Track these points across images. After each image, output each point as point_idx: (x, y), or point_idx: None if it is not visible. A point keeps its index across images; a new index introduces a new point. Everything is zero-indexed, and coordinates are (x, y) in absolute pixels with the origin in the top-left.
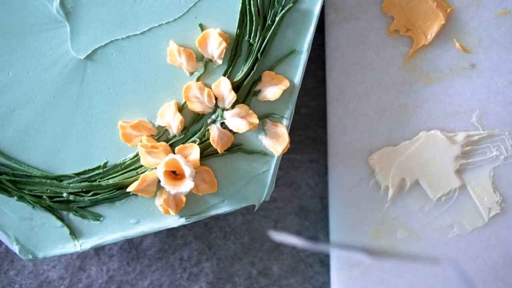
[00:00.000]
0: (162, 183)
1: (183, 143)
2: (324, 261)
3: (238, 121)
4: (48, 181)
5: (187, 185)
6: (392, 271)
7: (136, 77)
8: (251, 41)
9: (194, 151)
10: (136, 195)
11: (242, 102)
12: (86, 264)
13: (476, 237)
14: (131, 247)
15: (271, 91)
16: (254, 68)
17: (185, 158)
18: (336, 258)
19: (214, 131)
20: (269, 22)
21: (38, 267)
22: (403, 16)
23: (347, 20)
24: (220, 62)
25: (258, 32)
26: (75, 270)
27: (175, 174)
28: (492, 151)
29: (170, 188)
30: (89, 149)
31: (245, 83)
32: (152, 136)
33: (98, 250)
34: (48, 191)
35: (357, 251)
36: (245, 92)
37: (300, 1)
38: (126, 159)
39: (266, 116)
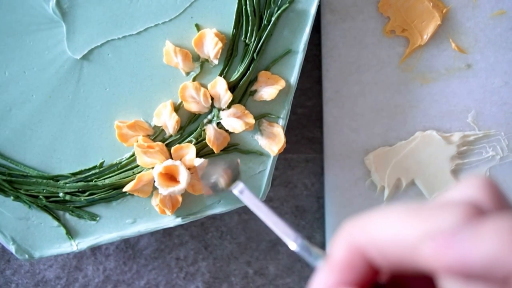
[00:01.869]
0: (156, 183)
1: (179, 143)
2: None
3: (234, 121)
4: (45, 181)
5: (179, 186)
6: None
7: (132, 77)
8: (247, 41)
9: (190, 151)
10: (132, 195)
11: (238, 102)
12: (83, 264)
13: None
14: (128, 247)
15: (267, 91)
16: (250, 68)
17: (181, 158)
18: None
19: (210, 131)
20: (265, 22)
21: (34, 267)
22: (399, 16)
23: (343, 20)
24: (216, 62)
25: (254, 32)
26: (71, 269)
27: (170, 174)
28: (488, 151)
29: (163, 189)
30: (85, 149)
31: (241, 83)
32: (148, 136)
33: (94, 249)
34: (45, 191)
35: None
36: (241, 92)
37: (296, 1)
38: (122, 159)
39: (262, 116)
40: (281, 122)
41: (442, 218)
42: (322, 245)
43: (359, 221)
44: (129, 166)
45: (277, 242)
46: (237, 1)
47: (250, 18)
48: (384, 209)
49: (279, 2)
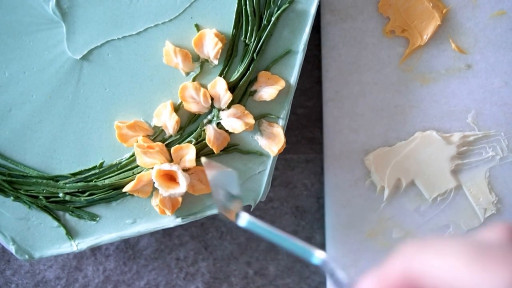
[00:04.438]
0: (156, 185)
1: (179, 143)
2: None
3: (234, 121)
4: (44, 181)
5: (179, 189)
6: None
7: (132, 77)
8: (247, 41)
9: (190, 151)
10: (132, 195)
11: (238, 102)
12: (83, 264)
13: None
14: (128, 247)
15: (267, 91)
16: (250, 68)
17: (181, 158)
18: (332, 258)
19: (210, 131)
20: (265, 22)
21: (34, 267)
22: (399, 17)
23: (343, 20)
24: (216, 62)
25: (254, 32)
26: (71, 270)
27: (170, 174)
28: (488, 152)
29: (163, 190)
30: (85, 149)
31: (241, 83)
32: (148, 136)
33: (94, 250)
34: (45, 191)
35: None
36: (241, 92)
37: (296, 1)
38: (122, 159)
39: (262, 116)
40: (281, 122)
41: (499, 276)
42: (322, 245)
43: (420, 248)
44: (129, 166)
45: None
46: (237, 1)
47: (250, 18)
48: (446, 242)
49: (279, 2)
